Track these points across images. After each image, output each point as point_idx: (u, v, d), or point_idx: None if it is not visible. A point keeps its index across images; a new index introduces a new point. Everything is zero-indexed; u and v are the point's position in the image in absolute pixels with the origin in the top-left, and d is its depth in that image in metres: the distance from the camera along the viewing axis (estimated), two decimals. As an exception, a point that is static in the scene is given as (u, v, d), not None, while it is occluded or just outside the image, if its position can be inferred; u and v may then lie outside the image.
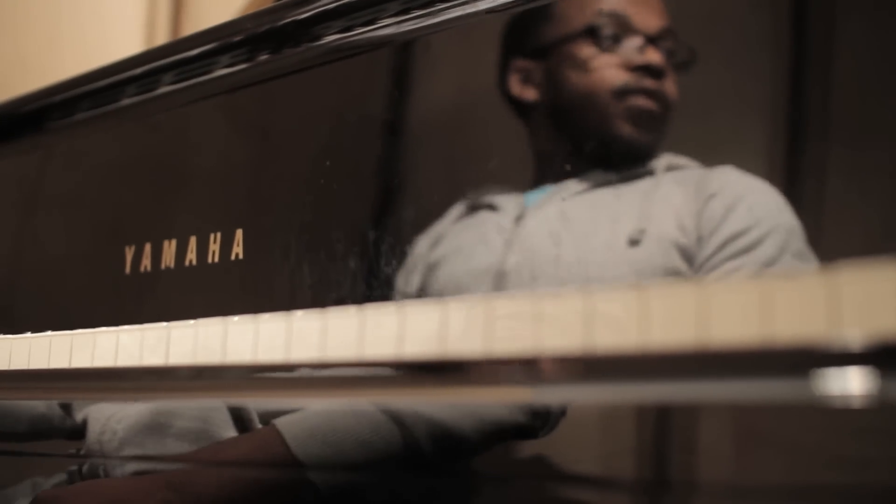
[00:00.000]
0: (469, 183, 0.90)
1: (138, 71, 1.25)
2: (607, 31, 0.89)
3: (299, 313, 0.67)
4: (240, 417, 0.97)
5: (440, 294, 0.85)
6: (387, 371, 0.62)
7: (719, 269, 0.76)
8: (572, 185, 0.84)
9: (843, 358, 0.45)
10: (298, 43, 1.09)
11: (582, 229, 0.81)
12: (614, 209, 0.80)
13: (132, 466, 1.00)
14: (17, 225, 1.39)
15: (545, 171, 0.86)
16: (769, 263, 0.72)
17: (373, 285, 0.92)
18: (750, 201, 0.76)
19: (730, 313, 0.48)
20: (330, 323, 0.64)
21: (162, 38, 2.08)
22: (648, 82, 0.87)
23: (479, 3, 0.93)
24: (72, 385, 0.85)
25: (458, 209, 0.88)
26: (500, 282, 0.83)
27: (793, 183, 0.74)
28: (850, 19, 0.75)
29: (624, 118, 0.87)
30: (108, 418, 1.01)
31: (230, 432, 0.99)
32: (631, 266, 0.78)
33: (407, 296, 0.88)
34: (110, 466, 1.02)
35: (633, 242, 0.78)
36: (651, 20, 0.89)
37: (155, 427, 0.99)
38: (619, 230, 0.79)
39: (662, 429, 0.76)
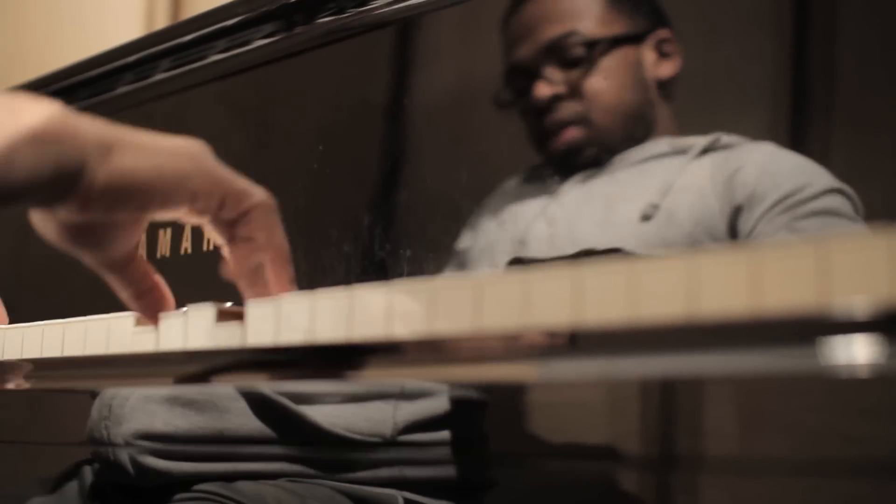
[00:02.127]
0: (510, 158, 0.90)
1: (133, 58, 1.24)
2: (510, 83, 0.90)
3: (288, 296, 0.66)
4: (248, 393, 0.97)
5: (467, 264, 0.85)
6: (377, 350, 0.62)
7: (775, 225, 0.75)
8: (597, 168, 0.84)
9: (833, 327, 0.44)
10: (292, 26, 1.08)
11: (601, 206, 0.81)
12: (635, 188, 0.81)
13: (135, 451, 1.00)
14: (17, 216, 1.39)
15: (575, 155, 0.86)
16: (835, 213, 0.72)
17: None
18: (790, 162, 0.75)
19: (720, 284, 0.47)
20: (318, 304, 0.63)
21: (161, 25, 2.07)
22: (554, 116, 0.87)
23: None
24: (66, 373, 0.85)
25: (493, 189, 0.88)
26: (520, 249, 0.83)
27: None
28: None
29: (560, 151, 0.87)
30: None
31: (237, 403, 0.99)
32: (640, 240, 0.78)
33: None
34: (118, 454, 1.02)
35: (645, 218, 0.78)
36: (529, 47, 0.89)
37: (166, 397, 1.00)
38: (634, 206, 0.79)
39: (666, 403, 0.75)
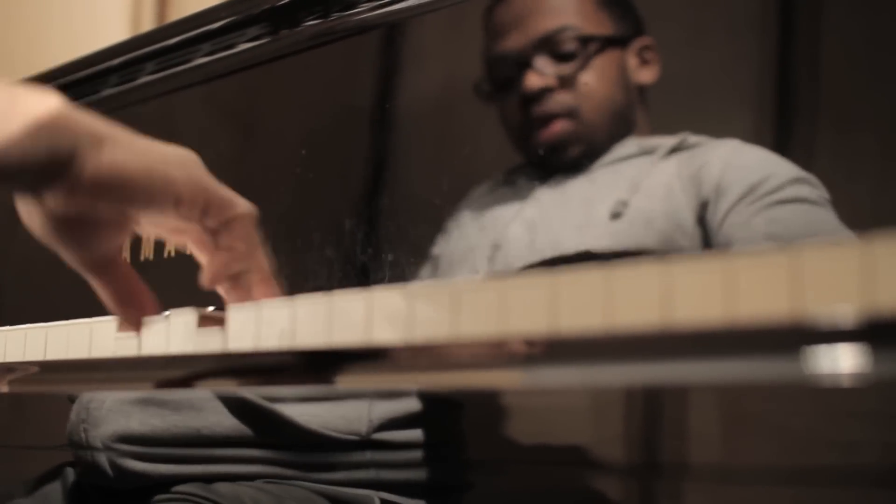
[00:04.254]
0: (480, 166, 0.90)
1: (118, 61, 1.24)
2: (494, 73, 0.89)
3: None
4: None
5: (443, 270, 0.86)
6: (356, 357, 0.62)
7: (745, 215, 0.76)
8: (572, 170, 0.84)
9: (809, 336, 0.44)
10: (276, 30, 1.08)
11: (574, 207, 0.82)
12: (606, 188, 0.81)
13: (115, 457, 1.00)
14: (2, 220, 1.38)
15: (548, 157, 0.86)
16: (804, 201, 0.73)
17: (349, 272, 0.92)
18: (754, 156, 0.76)
19: (694, 293, 0.47)
20: (299, 311, 0.63)
21: (147, 29, 2.07)
22: (543, 107, 0.86)
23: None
24: (49, 377, 0.85)
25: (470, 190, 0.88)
26: (498, 253, 0.83)
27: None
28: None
29: (545, 145, 0.87)
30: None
31: (212, 402, 1.00)
32: (611, 238, 0.78)
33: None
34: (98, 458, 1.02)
35: (615, 216, 0.79)
36: (520, 38, 0.89)
37: (141, 398, 1.01)
38: (605, 205, 0.80)
39: (650, 411, 0.75)
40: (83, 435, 1.04)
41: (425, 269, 0.87)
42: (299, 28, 1.05)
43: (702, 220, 0.77)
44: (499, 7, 0.90)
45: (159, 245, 1.10)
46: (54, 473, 1.15)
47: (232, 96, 1.14)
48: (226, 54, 1.12)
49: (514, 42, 0.88)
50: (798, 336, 0.45)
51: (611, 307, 0.49)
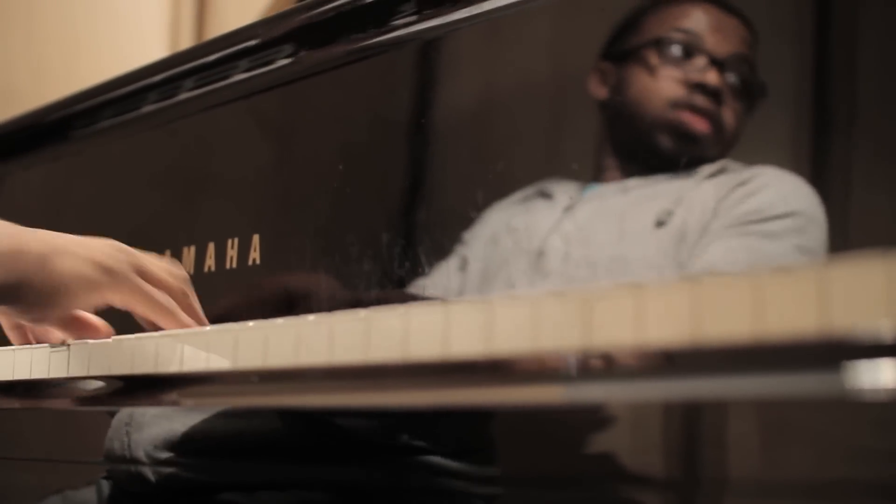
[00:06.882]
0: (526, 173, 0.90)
1: (157, 78, 1.25)
2: (676, 45, 0.89)
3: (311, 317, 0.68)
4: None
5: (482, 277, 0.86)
6: (394, 373, 0.63)
7: (716, 239, 0.77)
8: (622, 182, 0.85)
9: (840, 351, 0.44)
10: (314, 46, 1.09)
11: (615, 218, 0.83)
12: (651, 201, 0.82)
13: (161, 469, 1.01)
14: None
15: (598, 166, 0.87)
16: (769, 237, 0.74)
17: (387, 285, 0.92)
18: (775, 189, 0.76)
19: (724, 308, 0.47)
20: (336, 328, 0.65)
21: (186, 45, 2.08)
22: (700, 100, 0.87)
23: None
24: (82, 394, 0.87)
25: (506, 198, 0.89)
26: (538, 261, 0.84)
27: (816, 178, 0.74)
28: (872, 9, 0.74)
29: (670, 130, 0.87)
30: None
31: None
32: (656, 247, 0.79)
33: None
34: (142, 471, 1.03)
35: (660, 224, 0.80)
36: (723, 44, 0.88)
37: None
38: (649, 214, 0.82)
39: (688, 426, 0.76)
40: (126, 439, 1.04)
41: (461, 283, 0.87)
42: (335, 44, 1.06)
43: None
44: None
45: (199, 259, 1.11)
46: (88, 485, 1.16)
47: (270, 112, 1.15)
48: (264, 70, 1.13)
49: (715, 41, 0.88)
50: (837, 351, 0.45)
51: (642, 323, 0.50)
